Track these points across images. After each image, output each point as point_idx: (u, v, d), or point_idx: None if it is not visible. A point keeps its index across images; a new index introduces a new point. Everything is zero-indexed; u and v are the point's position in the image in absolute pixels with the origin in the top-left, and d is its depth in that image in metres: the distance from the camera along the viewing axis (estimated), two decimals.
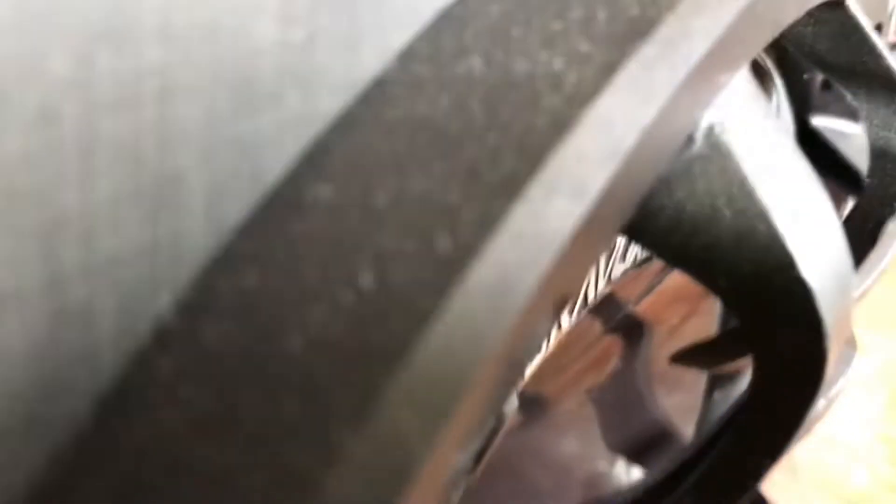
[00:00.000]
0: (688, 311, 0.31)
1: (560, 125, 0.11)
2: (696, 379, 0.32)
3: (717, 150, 0.16)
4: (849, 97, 0.29)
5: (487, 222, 0.10)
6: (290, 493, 0.09)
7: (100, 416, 0.10)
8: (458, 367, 0.10)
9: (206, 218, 0.09)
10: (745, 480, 0.23)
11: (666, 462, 0.26)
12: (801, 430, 0.21)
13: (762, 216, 0.16)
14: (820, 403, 0.22)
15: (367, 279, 0.10)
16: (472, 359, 0.10)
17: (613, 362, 0.27)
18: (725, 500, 0.24)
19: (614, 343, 0.26)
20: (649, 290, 0.26)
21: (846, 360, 0.28)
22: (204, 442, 0.09)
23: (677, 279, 0.28)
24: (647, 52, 0.13)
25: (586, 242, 0.12)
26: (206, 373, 0.09)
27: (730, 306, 0.18)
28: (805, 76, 0.32)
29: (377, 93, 0.11)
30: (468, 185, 0.10)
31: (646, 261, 0.25)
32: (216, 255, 0.10)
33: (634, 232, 0.17)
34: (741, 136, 0.16)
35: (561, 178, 0.11)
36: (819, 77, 0.34)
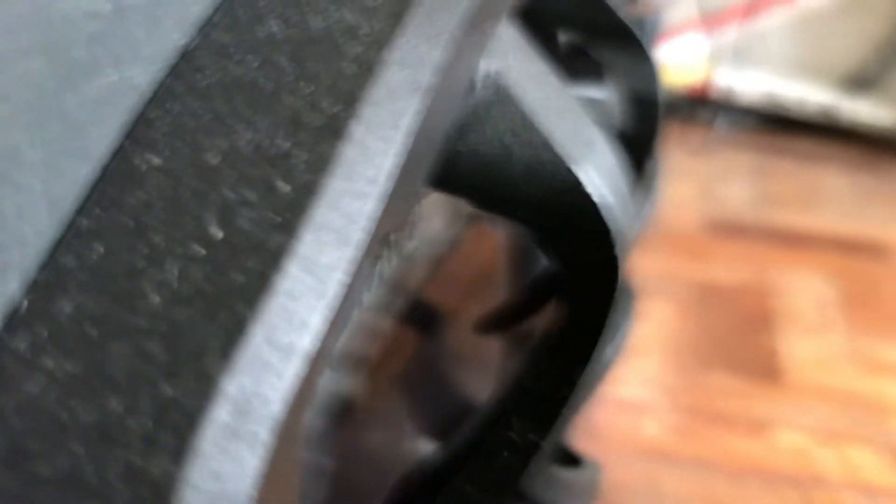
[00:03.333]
0: (469, 292, 0.32)
1: (365, 68, 0.12)
2: (492, 354, 0.34)
3: (497, 93, 0.17)
4: (594, 54, 0.32)
5: (320, 161, 0.11)
6: (173, 431, 0.09)
7: None
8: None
9: (46, 198, 0.09)
10: (555, 412, 0.24)
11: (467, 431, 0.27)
12: (596, 372, 0.23)
13: (546, 145, 0.18)
14: (610, 349, 0.23)
15: (215, 230, 0.10)
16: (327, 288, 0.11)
17: (409, 350, 0.28)
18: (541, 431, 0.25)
19: (406, 331, 0.27)
20: (428, 276, 0.27)
21: (627, 307, 0.30)
22: (76, 402, 0.09)
23: (453, 265, 0.29)
24: (426, 1, 0.14)
25: (406, 178, 0.13)
26: (68, 342, 0.09)
27: (534, 235, 0.20)
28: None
29: (185, 64, 0.12)
30: (294, 132, 0.11)
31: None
32: (59, 236, 0.10)
33: (440, 182, 0.18)
34: (515, 77, 0.18)
35: (377, 115, 0.12)
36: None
